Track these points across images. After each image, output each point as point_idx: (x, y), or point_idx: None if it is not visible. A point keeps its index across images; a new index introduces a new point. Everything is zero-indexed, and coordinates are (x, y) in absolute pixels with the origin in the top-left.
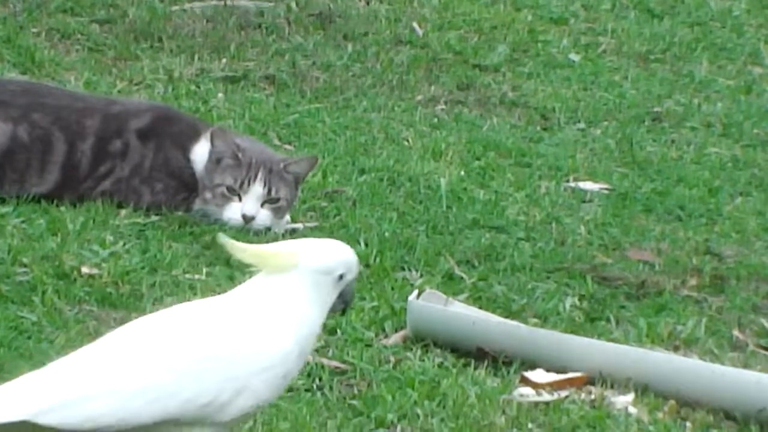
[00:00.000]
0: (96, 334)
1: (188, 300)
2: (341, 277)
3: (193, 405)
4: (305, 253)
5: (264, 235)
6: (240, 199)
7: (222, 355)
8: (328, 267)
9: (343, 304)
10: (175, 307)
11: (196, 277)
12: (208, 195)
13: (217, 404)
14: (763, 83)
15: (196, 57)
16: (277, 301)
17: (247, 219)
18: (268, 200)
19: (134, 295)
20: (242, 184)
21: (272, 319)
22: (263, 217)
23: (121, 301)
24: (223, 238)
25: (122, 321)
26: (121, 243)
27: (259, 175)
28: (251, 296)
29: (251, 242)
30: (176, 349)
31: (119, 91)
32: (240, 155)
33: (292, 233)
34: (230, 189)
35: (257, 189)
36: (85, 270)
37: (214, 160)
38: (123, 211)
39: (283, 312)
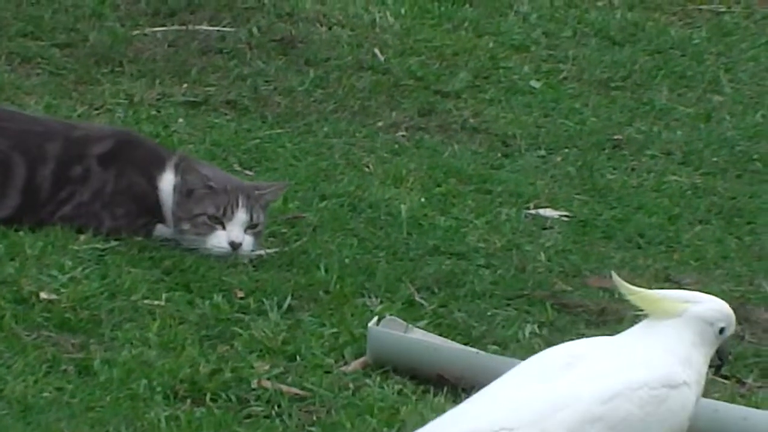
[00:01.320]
0: (54, 360)
1: (147, 326)
2: (721, 331)
3: None
4: (694, 302)
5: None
6: (224, 227)
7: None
8: (713, 317)
9: (719, 361)
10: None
11: (156, 302)
12: (185, 226)
13: None
14: (722, 111)
15: (157, 81)
16: (670, 344)
17: (235, 246)
18: (250, 226)
19: (93, 320)
20: (225, 211)
21: (670, 361)
22: (248, 243)
23: (79, 326)
24: (616, 278)
25: (81, 347)
26: (80, 268)
27: (241, 202)
28: (644, 339)
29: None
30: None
31: (80, 115)
32: (212, 184)
33: (258, 259)
34: (213, 218)
35: (241, 216)
36: (43, 295)
37: (185, 192)
38: (82, 236)
39: (678, 354)
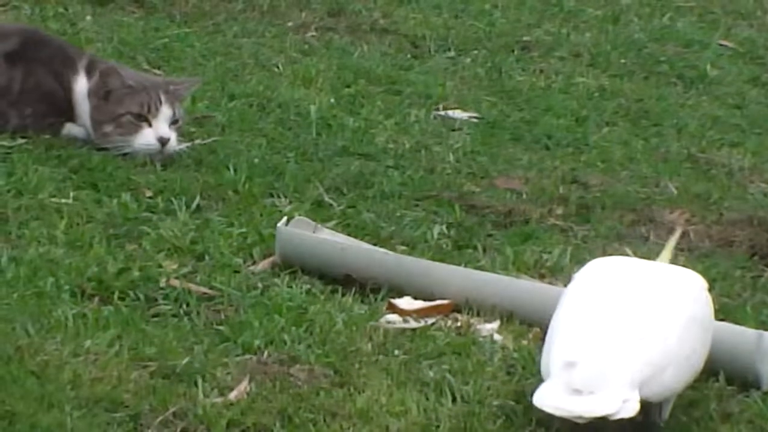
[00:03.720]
0: None
1: (54, 225)
2: None
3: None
4: None
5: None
6: (150, 125)
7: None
8: None
9: None
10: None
11: (63, 201)
12: (108, 128)
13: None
14: (630, 13)
15: None
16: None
17: (164, 141)
18: (173, 122)
19: (0, 218)
20: (150, 108)
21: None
22: (174, 138)
23: None
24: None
25: None
26: None
27: (163, 98)
28: None
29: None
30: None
31: None
32: (132, 83)
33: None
34: (138, 116)
35: (166, 111)
36: None
37: (102, 95)
38: None
39: None
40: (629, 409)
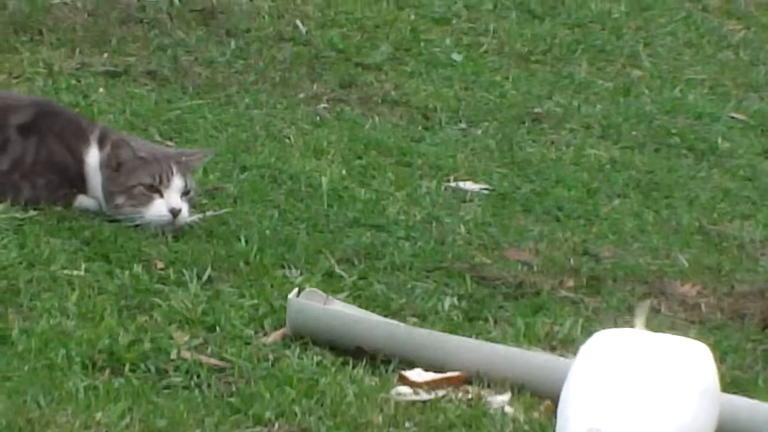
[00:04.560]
0: None
1: (66, 296)
2: None
3: None
4: None
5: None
6: (161, 196)
7: None
8: None
9: None
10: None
11: (75, 272)
12: (120, 199)
13: None
14: (641, 85)
15: (77, 50)
16: None
17: (176, 212)
18: (185, 192)
19: (11, 290)
20: (161, 179)
21: None
22: (185, 210)
23: None
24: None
25: None
26: None
27: (174, 169)
28: None
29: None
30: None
31: None
32: (143, 154)
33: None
34: (150, 187)
35: (177, 182)
36: None
37: (114, 166)
38: (0, 206)
39: None
40: None
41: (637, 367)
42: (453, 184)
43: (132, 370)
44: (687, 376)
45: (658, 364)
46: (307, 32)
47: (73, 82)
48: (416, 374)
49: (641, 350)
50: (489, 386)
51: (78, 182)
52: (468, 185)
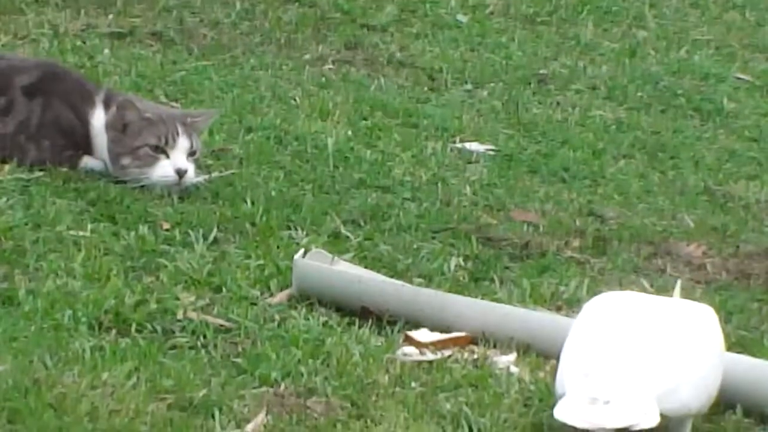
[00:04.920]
0: None
1: (72, 257)
2: None
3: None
4: None
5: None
6: (167, 156)
7: None
8: None
9: None
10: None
11: (81, 233)
12: (126, 160)
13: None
14: (647, 47)
15: (82, 12)
16: None
17: (182, 173)
18: (191, 153)
19: (17, 251)
20: (167, 140)
21: None
22: (191, 170)
23: (3, 257)
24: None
25: (4, 277)
26: (4, 198)
27: (180, 130)
28: None
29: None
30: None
31: (4, 45)
32: (149, 115)
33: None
34: (155, 148)
35: (183, 143)
36: None
37: (120, 127)
38: (6, 167)
39: None
40: (650, 419)
41: (637, 322)
42: (459, 145)
43: (138, 331)
44: (686, 329)
45: (659, 318)
46: None
47: (79, 43)
48: (422, 335)
49: (642, 309)
50: (495, 347)
51: (83, 144)
52: (474, 146)
